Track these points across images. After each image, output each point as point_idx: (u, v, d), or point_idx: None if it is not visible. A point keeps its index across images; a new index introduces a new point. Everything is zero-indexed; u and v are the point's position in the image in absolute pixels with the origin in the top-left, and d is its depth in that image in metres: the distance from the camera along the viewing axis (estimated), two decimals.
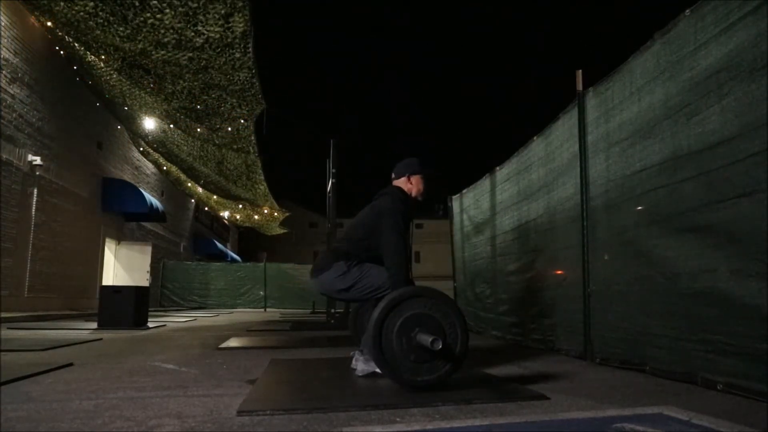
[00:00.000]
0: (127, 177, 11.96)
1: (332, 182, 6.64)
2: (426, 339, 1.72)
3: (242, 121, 8.29)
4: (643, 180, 2.32)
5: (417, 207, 2.43)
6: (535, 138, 3.62)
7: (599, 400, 1.72)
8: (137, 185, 11.93)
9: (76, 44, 7.62)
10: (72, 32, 7.03)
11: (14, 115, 7.49)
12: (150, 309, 6.35)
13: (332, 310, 6.73)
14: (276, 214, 16.10)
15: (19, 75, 7.62)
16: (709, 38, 1.93)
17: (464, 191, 5.46)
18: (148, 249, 12.21)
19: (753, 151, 1.71)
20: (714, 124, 1.89)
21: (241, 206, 15.82)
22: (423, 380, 1.82)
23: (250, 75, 6.65)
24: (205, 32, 5.69)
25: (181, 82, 7.34)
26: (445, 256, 5.56)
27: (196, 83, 7.26)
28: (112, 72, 7.99)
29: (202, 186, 13.96)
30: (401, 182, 2.40)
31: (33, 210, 8.02)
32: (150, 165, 13.52)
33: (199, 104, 7.90)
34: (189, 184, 14.40)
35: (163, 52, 6.30)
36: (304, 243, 31.87)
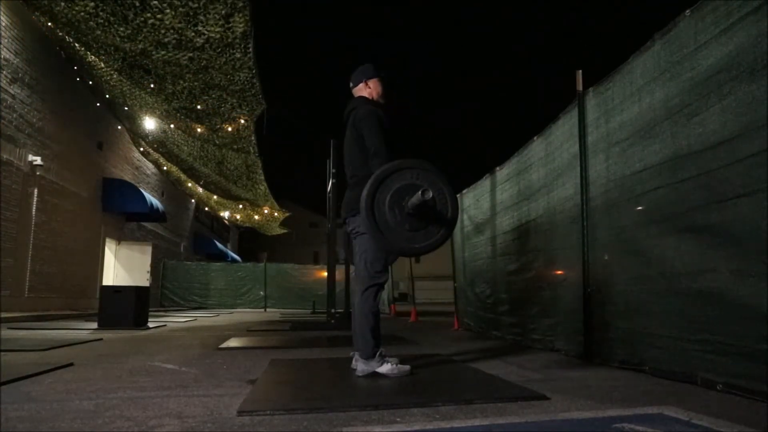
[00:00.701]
0: (128, 177, 11.96)
1: (332, 182, 6.64)
2: (416, 195, 1.74)
3: (242, 121, 8.29)
4: (643, 180, 2.32)
5: (383, 108, 2.43)
6: (535, 138, 3.62)
7: (599, 400, 1.72)
8: (137, 185, 11.93)
9: (77, 44, 7.62)
10: (72, 32, 7.03)
11: (15, 115, 7.50)
12: (150, 309, 6.35)
13: (332, 310, 6.73)
14: (276, 214, 16.10)
15: (20, 75, 7.63)
16: (709, 38, 1.93)
17: (464, 191, 5.46)
18: (149, 249, 12.21)
19: (753, 152, 1.71)
20: (714, 125, 1.89)
21: (241, 206, 15.83)
22: (420, 246, 1.84)
23: (251, 75, 6.65)
24: (206, 32, 5.69)
25: (182, 82, 7.34)
26: (445, 256, 5.57)
27: (196, 83, 7.26)
28: (112, 72, 7.99)
29: (202, 186, 13.97)
30: (360, 89, 2.46)
31: (33, 210, 8.02)
32: (150, 165, 13.52)
33: (199, 104, 7.90)
34: (189, 184, 14.40)
35: (163, 53, 6.31)
36: (305, 243, 31.87)
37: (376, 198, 1.83)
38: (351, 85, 2.50)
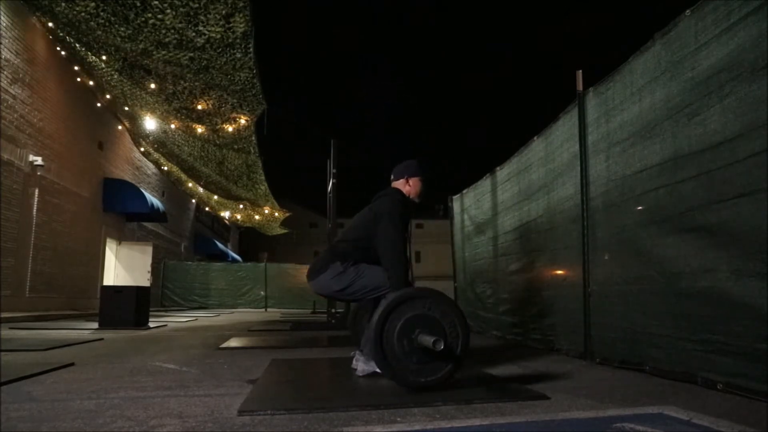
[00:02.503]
0: (128, 177, 11.96)
1: (332, 182, 6.65)
2: (428, 340, 1.73)
3: (243, 121, 8.30)
4: (643, 180, 2.32)
5: (415, 208, 2.45)
6: (535, 138, 3.62)
7: (599, 400, 1.72)
8: (138, 185, 11.94)
9: (78, 45, 7.63)
10: (73, 33, 7.04)
11: (15, 115, 7.50)
12: (151, 309, 6.35)
13: (333, 310, 6.73)
14: (276, 214, 16.10)
15: (21, 75, 7.63)
16: (710, 38, 1.93)
17: (465, 191, 5.46)
18: (149, 249, 12.21)
19: (754, 151, 1.71)
20: (715, 125, 1.89)
21: (241, 206, 15.83)
22: (426, 381, 1.82)
23: (251, 75, 6.65)
24: (206, 32, 5.70)
25: (182, 82, 7.35)
26: (445, 256, 5.57)
27: (197, 83, 7.27)
28: (113, 72, 8.00)
29: (202, 186, 13.97)
30: (399, 184, 2.43)
31: (34, 210, 8.03)
32: (151, 165, 13.53)
33: (200, 104, 7.91)
34: (190, 185, 14.41)
35: (164, 53, 6.31)
36: (305, 243, 31.87)
37: (386, 326, 1.82)
38: (392, 177, 2.47)
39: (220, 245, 20.50)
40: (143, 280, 11.54)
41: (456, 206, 5.76)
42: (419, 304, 1.86)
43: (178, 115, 8.60)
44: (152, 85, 7.72)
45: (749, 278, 1.72)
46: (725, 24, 1.86)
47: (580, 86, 2.89)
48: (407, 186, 2.41)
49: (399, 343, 1.81)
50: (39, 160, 7.98)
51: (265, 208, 15.22)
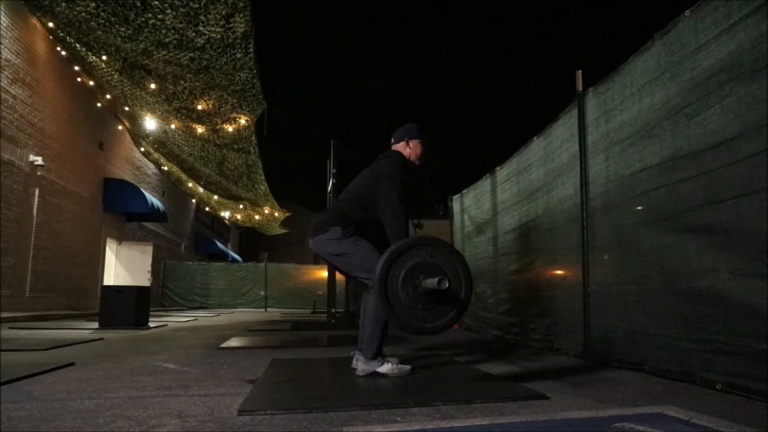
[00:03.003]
0: (129, 177, 11.97)
1: (332, 182, 6.65)
2: (432, 282, 1.73)
3: (243, 121, 8.30)
4: (643, 180, 2.32)
5: (415, 170, 2.43)
6: (535, 138, 3.62)
7: (599, 400, 1.72)
8: (138, 185, 11.94)
9: (78, 45, 7.63)
10: (73, 33, 7.04)
11: (16, 115, 7.51)
12: (151, 309, 6.36)
13: (333, 310, 6.73)
14: (277, 214, 16.09)
15: (21, 75, 7.64)
16: (709, 39, 1.93)
17: (464, 191, 5.46)
18: (149, 249, 12.21)
19: (753, 152, 1.71)
20: (715, 125, 1.89)
21: (241, 206, 15.83)
22: (432, 326, 1.82)
23: (251, 75, 6.65)
24: (207, 32, 5.70)
25: (183, 82, 7.35)
26: None
27: (197, 83, 7.27)
28: (113, 72, 8.00)
29: (203, 186, 13.97)
30: (400, 147, 2.44)
31: (34, 210, 8.03)
32: (151, 165, 13.53)
33: (200, 104, 7.91)
34: (190, 184, 14.41)
35: (164, 53, 6.31)
36: (305, 243, 31.76)
37: (390, 274, 1.82)
38: (392, 140, 2.48)
39: (220, 245, 20.50)
40: (143, 279, 11.54)
41: (456, 206, 5.76)
42: (422, 252, 1.86)
43: (179, 115, 8.60)
44: (152, 85, 7.72)
45: (749, 278, 1.72)
46: (725, 24, 1.86)
47: (579, 86, 2.89)
48: (408, 148, 2.42)
49: (403, 290, 1.81)
50: (39, 160, 7.98)
51: (265, 208, 15.21)
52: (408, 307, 1.81)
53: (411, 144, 2.42)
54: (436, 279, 1.72)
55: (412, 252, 1.85)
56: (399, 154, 2.40)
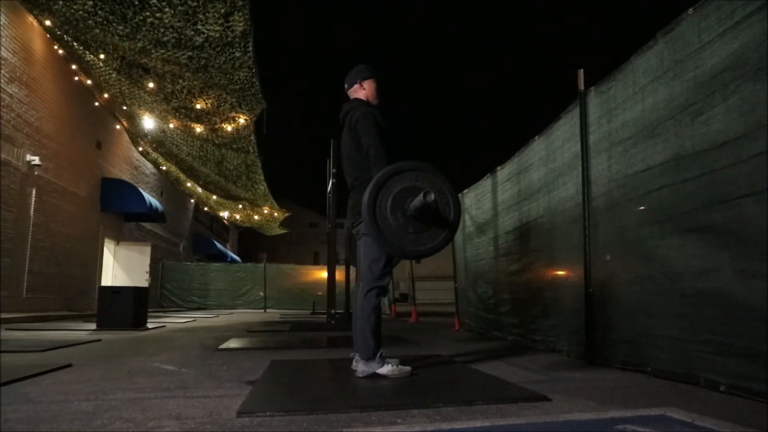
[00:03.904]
0: (127, 177, 11.93)
1: (332, 182, 6.63)
2: (418, 198, 1.74)
3: (242, 120, 8.28)
4: (646, 180, 2.30)
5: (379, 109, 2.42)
6: (536, 138, 3.61)
7: (601, 402, 1.71)
8: (136, 185, 11.90)
9: (75, 43, 7.60)
10: (71, 31, 7.01)
11: (12, 114, 7.47)
12: (149, 310, 6.33)
13: (332, 311, 6.71)
14: (276, 214, 16.08)
15: (18, 74, 7.60)
16: (713, 37, 1.92)
17: (465, 191, 5.45)
18: (148, 249, 12.18)
19: (758, 151, 1.70)
20: (719, 124, 1.87)
21: (240, 206, 15.81)
22: (425, 249, 1.83)
23: (250, 74, 6.64)
24: (205, 31, 5.68)
25: (181, 81, 7.32)
26: (446, 256, 5.55)
27: (195, 82, 7.24)
28: (111, 71, 7.97)
29: (201, 186, 13.95)
30: (355, 90, 2.46)
31: (31, 210, 8.00)
32: (149, 165, 13.50)
33: (198, 104, 7.89)
34: (188, 184, 14.38)
35: (162, 51, 6.29)
36: (304, 243, 31.85)
37: (378, 202, 1.82)
38: (346, 86, 2.50)
39: (219, 245, 20.47)
40: (141, 280, 11.51)
41: None
42: (407, 177, 1.86)
43: (177, 114, 8.57)
44: (151, 84, 7.69)
45: (753, 279, 1.71)
46: (729, 23, 1.85)
47: (581, 85, 2.88)
48: (362, 90, 2.44)
49: (393, 215, 1.81)
50: (36, 160, 7.94)
51: (264, 208, 15.20)
52: (399, 231, 1.81)
53: (365, 84, 2.44)
54: (421, 194, 1.71)
55: (398, 177, 1.86)
56: (357, 100, 2.42)
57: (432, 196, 1.69)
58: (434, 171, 1.91)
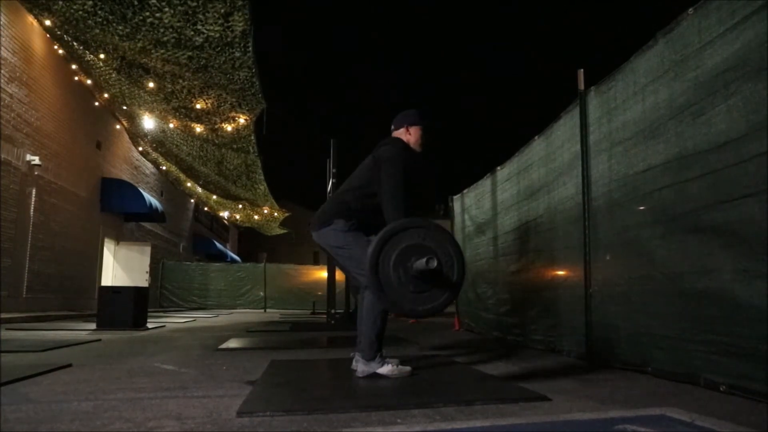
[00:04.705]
0: (127, 177, 11.93)
1: (332, 182, 6.63)
2: (420, 261, 1.72)
3: (242, 120, 8.28)
4: (647, 180, 2.30)
5: (417, 158, 2.43)
6: (536, 137, 3.61)
7: (601, 401, 1.71)
8: (136, 185, 11.90)
9: (75, 43, 7.60)
10: (71, 31, 7.01)
11: (12, 114, 7.47)
12: (149, 309, 6.33)
13: (333, 311, 6.72)
14: (276, 214, 16.07)
15: (18, 74, 7.60)
16: (714, 37, 1.92)
17: (465, 191, 5.45)
18: (148, 249, 12.18)
19: (759, 151, 1.70)
20: (720, 124, 1.87)
21: (240, 206, 15.80)
22: (424, 309, 1.81)
23: (250, 74, 6.63)
24: (205, 31, 5.68)
25: (181, 81, 7.32)
26: None
27: (195, 82, 7.24)
28: (111, 71, 7.97)
29: (201, 186, 13.94)
30: (400, 133, 2.43)
31: (31, 210, 8.00)
32: (149, 165, 13.49)
33: (198, 103, 7.89)
34: (188, 184, 14.38)
35: (162, 51, 6.29)
36: (304, 243, 31.80)
37: (381, 257, 1.81)
38: (392, 127, 2.47)
39: (219, 245, 20.46)
40: (141, 280, 11.51)
41: (457, 206, 5.75)
42: (414, 234, 1.84)
43: (177, 114, 8.57)
44: (151, 84, 7.69)
45: (755, 279, 1.71)
46: (729, 23, 1.84)
47: (581, 85, 2.88)
48: (408, 135, 2.41)
49: (395, 272, 1.80)
50: (36, 160, 7.94)
51: (264, 208, 15.19)
52: (400, 289, 1.80)
53: (411, 130, 2.41)
54: (425, 259, 1.70)
55: (404, 234, 1.84)
56: (399, 140, 2.40)
57: (435, 263, 1.68)
58: (442, 230, 1.90)
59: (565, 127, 3.14)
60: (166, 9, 5.35)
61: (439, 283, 1.79)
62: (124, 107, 9.69)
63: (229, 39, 5.78)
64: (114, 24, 5.86)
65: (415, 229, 1.85)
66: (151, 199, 11.73)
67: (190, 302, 14.15)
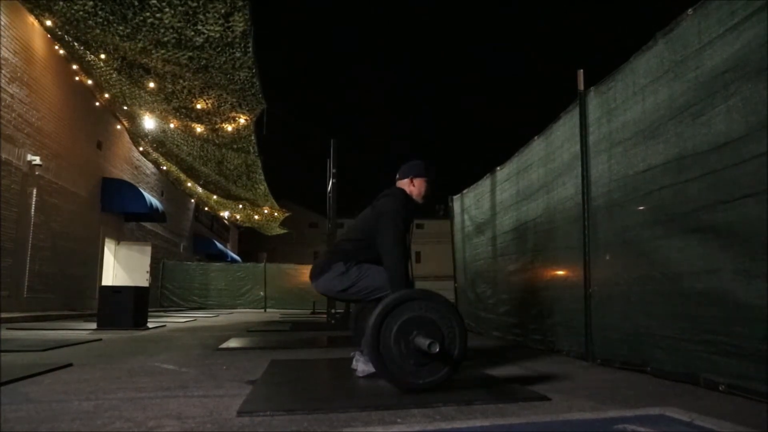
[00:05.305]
0: (127, 177, 11.94)
1: (332, 182, 6.64)
2: (423, 343, 1.73)
3: (242, 120, 8.28)
4: (646, 180, 2.30)
5: (417, 209, 2.45)
6: (535, 138, 3.61)
7: (600, 401, 1.71)
8: (137, 185, 11.91)
9: (76, 43, 7.61)
10: (71, 31, 7.02)
11: (13, 114, 7.48)
12: (150, 309, 6.34)
13: (333, 311, 6.72)
14: (276, 214, 16.08)
15: (19, 74, 7.61)
16: (714, 38, 1.92)
17: (465, 191, 5.45)
18: (148, 249, 12.19)
19: (759, 152, 1.70)
20: (720, 125, 1.87)
21: (241, 206, 15.81)
22: (424, 383, 1.82)
23: (251, 74, 6.64)
24: (205, 31, 5.68)
25: (181, 81, 7.33)
26: (446, 256, 5.56)
27: (196, 83, 7.25)
28: (111, 71, 7.98)
29: (202, 186, 13.95)
30: (404, 184, 2.43)
31: (32, 210, 8.01)
32: (150, 165, 13.50)
33: (199, 104, 7.89)
34: (189, 184, 14.38)
35: (162, 51, 6.29)
36: (304, 243, 31.85)
37: (383, 329, 1.82)
38: (397, 176, 2.47)
39: (219, 245, 20.47)
40: (142, 280, 11.52)
41: (456, 206, 5.75)
42: (416, 306, 1.85)
43: (177, 114, 8.58)
44: (151, 84, 7.70)
45: (754, 279, 1.71)
46: (729, 23, 1.84)
47: (581, 85, 2.88)
48: (411, 186, 2.41)
49: (396, 345, 1.81)
50: (37, 160, 7.95)
51: (264, 208, 15.20)
52: (400, 361, 1.81)
53: (415, 182, 2.41)
54: (427, 342, 1.71)
55: (407, 305, 1.84)
56: (402, 191, 2.38)
57: (436, 348, 1.69)
58: (444, 301, 1.90)
59: (565, 128, 3.14)
60: (167, 9, 5.36)
61: (441, 357, 1.80)
62: (125, 107, 9.70)
63: (229, 39, 5.78)
64: (114, 24, 5.87)
65: (418, 300, 1.85)
66: (151, 199, 11.74)
67: (191, 302, 14.15)
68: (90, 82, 9.18)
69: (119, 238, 11.89)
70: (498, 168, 4.41)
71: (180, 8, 5.32)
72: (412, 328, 1.82)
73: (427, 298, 1.87)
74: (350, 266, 2.23)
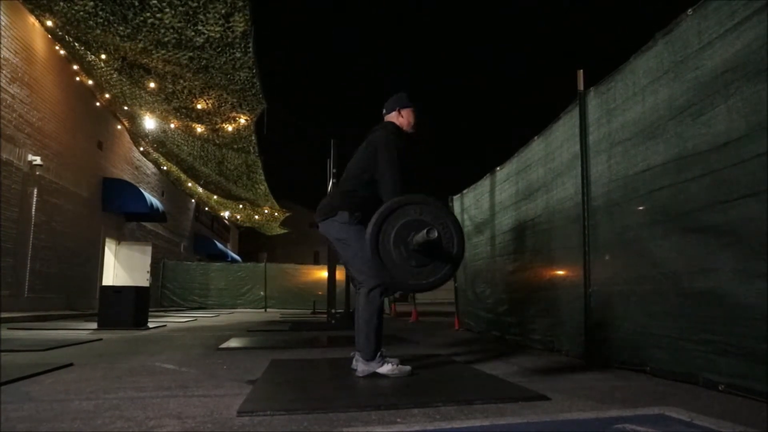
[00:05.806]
0: (128, 177, 11.94)
1: (332, 182, 6.64)
2: (421, 234, 1.73)
3: (243, 120, 8.29)
4: (646, 180, 2.31)
5: (409, 138, 2.45)
6: (535, 138, 3.61)
7: (600, 401, 1.71)
8: (137, 185, 11.92)
9: (76, 44, 7.62)
10: (72, 31, 7.03)
11: (14, 114, 7.49)
12: (150, 309, 6.34)
13: (333, 311, 6.72)
14: (276, 214, 16.09)
15: (19, 74, 7.62)
16: (713, 38, 1.92)
17: (465, 191, 5.45)
18: (149, 249, 12.19)
19: (759, 152, 1.70)
20: (720, 125, 1.87)
21: (241, 206, 15.82)
22: (428, 282, 1.82)
23: (251, 75, 6.64)
24: (206, 32, 5.69)
25: (182, 81, 7.33)
26: None
27: (196, 83, 7.25)
28: (112, 72, 7.99)
29: (202, 186, 13.96)
30: (392, 117, 2.45)
31: (33, 210, 8.01)
32: (150, 165, 13.51)
33: (199, 104, 7.90)
34: (189, 184, 14.39)
35: (163, 52, 6.30)
36: (305, 243, 31.86)
37: (381, 235, 1.81)
38: (384, 111, 2.50)
39: (219, 245, 20.48)
40: (142, 280, 11.52)
41: (456, 206, 5.75)
42: (411, 211, 1.85)
43: (178, 114, 8.59)
44: (151, 85, 7.71)
45: (754, 279, 1.71)
46: (729, 24, 1.85)
47: (581, 86, 2.89)
48: (400, 117, 2.44)
49: (396, 249, 1.81)
50: (38, 160, 7.96)
51: (264, 208, 15.21)
52: (402, 264, 1.81)
53: (403, 113, 2.44)
54: (425, 230, 1.71)
55: (402, 211, 1.85)
56: (392, 123, 2.42)
57: (435, 233, 1.69)
58: (439, 204, 1.91)
59: (565, 128, 3.14)
60: (167, 10, 5.37)
61: (440, 257, 1.80)
62: (125, 107, 9.71)
63: (229, 39, 5.79)
64: (115, 25, 5.88)
65: (412, 206, 1.85)
66: (152, 199, 11.74)
67: (191, 302, 14.16)
68: (91, 82, 9.19)
69: (120, 238, 11.90)
70: (498, 168, 4.41)
71: (180, 8, 5.32)
72: (410, 231, 1.82)
73: (421, 203, 1.87)
74: (354, 221, 2.23)
